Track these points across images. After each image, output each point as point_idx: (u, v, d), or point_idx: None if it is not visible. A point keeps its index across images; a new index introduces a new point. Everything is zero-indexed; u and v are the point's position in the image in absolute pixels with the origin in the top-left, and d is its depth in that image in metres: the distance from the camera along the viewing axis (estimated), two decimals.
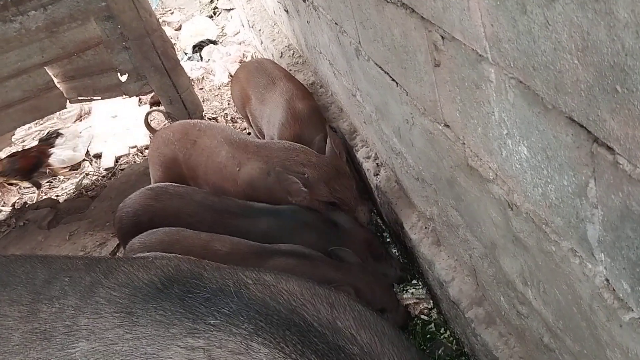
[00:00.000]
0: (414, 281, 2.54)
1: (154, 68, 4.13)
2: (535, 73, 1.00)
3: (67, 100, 4.55)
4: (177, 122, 3.20)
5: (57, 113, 5.51)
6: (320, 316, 1.30)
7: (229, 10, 6.96)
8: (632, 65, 0.75)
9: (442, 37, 1.38)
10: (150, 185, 2.86)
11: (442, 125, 1.64)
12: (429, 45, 1.49)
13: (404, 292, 2.52)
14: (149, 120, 3.50)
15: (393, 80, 1.94)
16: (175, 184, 2.81)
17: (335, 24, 2.47)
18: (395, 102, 2.01)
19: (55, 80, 4.40)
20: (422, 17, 1.45)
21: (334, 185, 2.56)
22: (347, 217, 2.53)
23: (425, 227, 2.30)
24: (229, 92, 5.25)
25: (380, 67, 2.03)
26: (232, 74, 5.46)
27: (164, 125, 3.30)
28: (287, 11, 3.75)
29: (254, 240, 2.39)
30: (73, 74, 4.43)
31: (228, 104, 5.06)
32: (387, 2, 1.67)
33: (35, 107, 4.47)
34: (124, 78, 4.30)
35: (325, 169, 2.58)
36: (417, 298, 2.47)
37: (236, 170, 2.75)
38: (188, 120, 3.24)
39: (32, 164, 4.56)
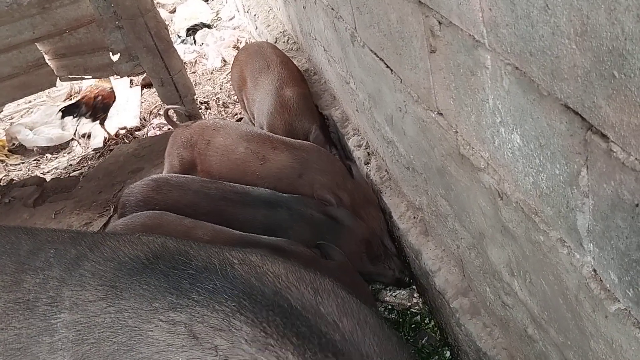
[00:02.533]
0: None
1: (146, 49, 4.08)
2: (532, 59, 0.99)
3: (58, 78, 4.50)
4: (197, 122, 3.09)
5: (47, 91, 5.45)
6: (304, 300, 1.30)
7: None
8: (631, 49, 0.74)
9: (439, 23, 1.36)
10: (154, 176, 2.79)
11: (435, 113, 1.63)
12: (425, 31, 1.48)
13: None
14: (169, 114, 3.38)
15: (388, 67, 1.93)
16: (177, 175, 2.76)
17: (332, 9, 2.45)
18: (388, 89, 2.00)
19: (46, 58, 4.35)
20: (419, 1, 1.43)
21: (360, 213, 2.56)
22: (347, 212, 2.47)
23: (414, 217, 2.29)
24: (222, 76, 5.23)
25: (375, 54, 2.02)
26: (225, 59, 5.43)
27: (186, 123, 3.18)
28: None
29: (250, 230, 2.35)
30: (64, 52, 4.38)
31: (220, 89, 5.03)
32: None
33: (24, 84, 4.42)
34: (115, 58, 4.25)
35: (356, 196, 2.58)
36: (399, 300, 2.44)
37: (258, 165, 2.68)
38: (206, 121, 3.13)
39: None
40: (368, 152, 2.71)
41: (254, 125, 3.40)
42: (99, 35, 4.19)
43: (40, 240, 1.62)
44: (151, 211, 2.46)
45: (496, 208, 1.42)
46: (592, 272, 1.07)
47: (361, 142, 2.78)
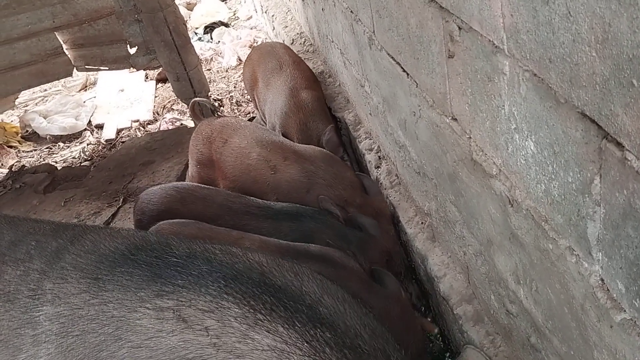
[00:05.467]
0: None
1: (164, 43, 4.11)
2: (551, 65, 1.00)
3: (74, 68, 4.54)
4: (219, 119, 3.05)
5: (62, 80, 5.51)
6: (286, 281, 1.35)
7: None
8: None
9: (459, 28, 1.37)
10: (176, 185, 2.74)
11: (449, 118, 1.64)
12: (444, 36, 1.49)
13: None
14: (195, 109, 3.31)
15: (404, 71, 1.94)
16: (202, 186, 2.72)
17: (351, 12, 2.46)
18: (404, 93, 2.01)
19: (64, 47, 4.39)
20: (440, 6, 1.44)
21: None
22: (374, 222, 2.41)
23: (422, 223, 2.29)
24: (237, 75, 5.26)
25: (392, 58, 2.03)
26: (241, 58, 5.46)
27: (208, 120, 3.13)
28: None
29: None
30: (82, 42, 4.42)
31: (234, 87, 5.06)
32: None
33: (41, 72, 4.46)
34: (133, 50, 4.29)
35: (368, 210, 2.51)
36: None
37: (269, 174, 2.65)
38: (228, 118, 3.09)
39: None
40: (379, 156, 2.72)
41: (265, 124, 3.42)
42: (117, 27, 4.23)
43: (21, 231, 1.61)
44: (200, 222, 2.40)
45: (506, 215, 1.43)
46: (600, 282, 1.07)
47: (373, 146, 2.79)
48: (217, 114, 3.25)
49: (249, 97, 4.84)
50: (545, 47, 1.00)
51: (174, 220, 2.40)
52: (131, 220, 3.44)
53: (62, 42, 4.38)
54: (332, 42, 3.11)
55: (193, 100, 3.27)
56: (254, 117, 4.46)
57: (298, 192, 2.59)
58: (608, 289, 1.06)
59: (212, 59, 5.64)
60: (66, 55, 4.42)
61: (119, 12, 4.17)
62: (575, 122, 0.99)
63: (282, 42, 4.64)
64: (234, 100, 4.84)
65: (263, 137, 2.78)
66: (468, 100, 1.45)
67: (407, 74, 1.92)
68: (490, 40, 1.22)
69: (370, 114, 2.69)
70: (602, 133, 0.92)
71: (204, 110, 3.40)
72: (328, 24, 3.08)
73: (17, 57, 4.32)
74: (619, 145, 0.88)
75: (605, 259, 1.02)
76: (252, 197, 2.57)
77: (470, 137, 1.53)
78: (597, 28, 0.84)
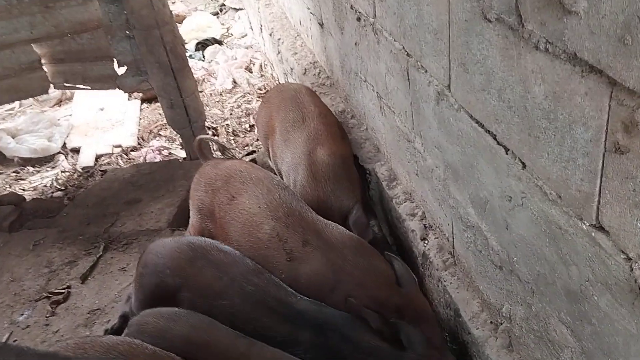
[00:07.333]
0: None
1: (158, 65, 3.63)
2: None
3: (51, 85, 4.01)
4: (226, 163, 2.57)
5: None
6: None
7: (237, 9, 6.50)
8: None
9: None
10: (191, 241, 2.24)
11: (589, 225, 1.21)
12: (610, 122, 1.06)
13: None
14: (202, 147, 2.83)
15: (499, 144, 1.51)
16: (219, 247, 2.19)
17: (407, 54, 2.03)
18: (494, 170, 1.58)
19: (42, 61, 3.86)
20: (611, 80, 1.02)
21: None
22: (421, 337, 1.92)
23: (491, 322, 1.86)
24: (232, 100, 4.79)
25: (479, 124, 1.60)
26: (236, 80, 4.99)
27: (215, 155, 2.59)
28: (321, 25, 3.30)
29: (292, 352, 1.86)
30: (63, 57, 3.90)
31: (230, 114, 4.59)
32: (536, 49, 1.23)
33: (13, 87, 3.93)
34: (121, 70, 3.79)
35: (407, 312, 2.02)
36: None
37: (284, 260, 2.14)
38: (237, 164, 2.56)
39: None
40: (425, 225, 2.28)
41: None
42: (104, 43, 3.73)
43: None
44: (196, 316, 1.93)
45: None
46: None
47: (415, 211, 2.35)
48: (227, 155, 2.74)
49: (246, 127, 4.38)
50: None
51: (163, 311, 1.92)
52: (114, 275, 2.95)
53: (39, 56, 3.85)
54: (365, 81, 2.68)
55: (198, 137, 2.77)
56: (253, 152, 3.99)
57: (320, 290, 2.08)
58: None
59: (204, 79, 5.15)
60: (43, 70, 3.90)
61: (108, 26, 3.68)
62: None
63: (286, 70, 4.20)
64: (230, 130, 4.36)
65: (279, 205, 2.26)
66: None
67: (506, 150, 1.49)
68: None
69: (416, 174, 2.25)
70: None
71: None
72: (362, 61, 2.64)
73: None
74: None
75: None
76: (274, 278, 2.08)
77: (632, 262, 1.10)
78: None
